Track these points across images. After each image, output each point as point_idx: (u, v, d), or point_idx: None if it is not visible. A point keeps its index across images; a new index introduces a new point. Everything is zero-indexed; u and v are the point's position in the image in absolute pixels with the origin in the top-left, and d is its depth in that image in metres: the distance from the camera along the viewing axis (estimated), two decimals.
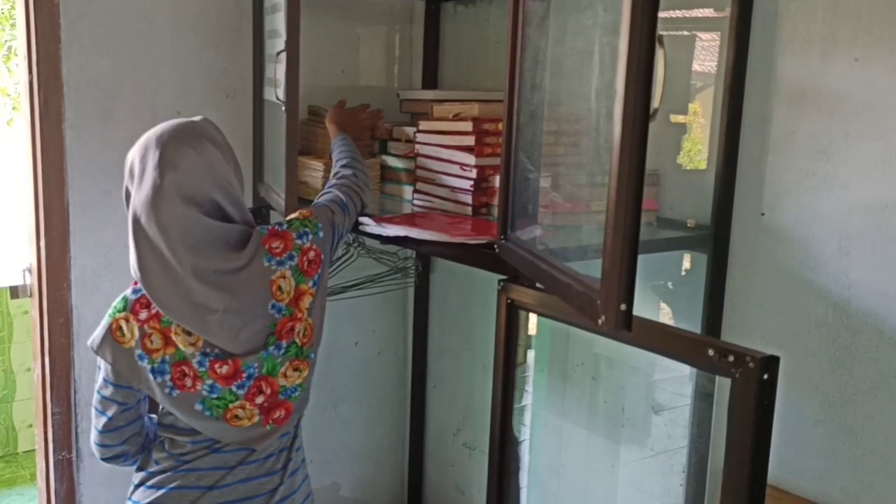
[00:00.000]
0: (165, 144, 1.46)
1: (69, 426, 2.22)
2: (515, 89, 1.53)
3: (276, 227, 1.59)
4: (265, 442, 1.58)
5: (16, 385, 3.93)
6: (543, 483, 2.38)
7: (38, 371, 2.23)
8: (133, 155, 1.49)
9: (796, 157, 1.70)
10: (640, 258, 1.13)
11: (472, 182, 1.94)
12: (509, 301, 1.62)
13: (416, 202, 2.09)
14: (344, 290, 2.42)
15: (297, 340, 1.57)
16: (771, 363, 1.15)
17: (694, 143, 1.93)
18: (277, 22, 1.96)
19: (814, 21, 1.66)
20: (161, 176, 1.43)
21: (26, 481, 3.74)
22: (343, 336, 2.71)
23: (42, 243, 2.13)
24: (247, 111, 2.33)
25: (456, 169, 1.98)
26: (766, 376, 1.15)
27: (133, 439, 1.60)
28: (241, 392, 1.52)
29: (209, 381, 1.50)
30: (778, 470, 1.74)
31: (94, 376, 1.59)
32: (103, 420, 1.56)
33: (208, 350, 1.49)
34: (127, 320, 1.49)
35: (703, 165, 1.90)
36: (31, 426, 3.91)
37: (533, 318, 2.21)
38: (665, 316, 2.03)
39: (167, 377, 1.49)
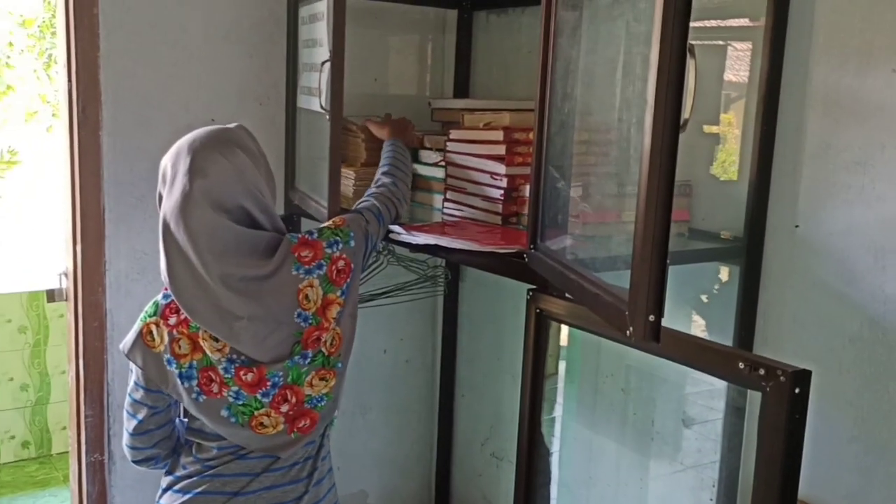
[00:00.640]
0: (196, 151, 1.48)
1: (102, 429, 2.25)
2: (546, 99, 1.53)
3: (307, 236, 1.59)
4: (290, 450, 1.58)
5: (51, 388, 4.00)
6: (573, 496, 2.36)
7: (73, 374, 2.26)
8: (166, 161, 1.52)
9: (831, 168, 1.68)
10: (671, 270, 1.12)
11: (502, 191, 1.93)
12: (538, 311, 1.61)
13: (446, 211, 2.09)
14: (373, 298, 2.42)
15: (323, 350, 1.57)
16: (802, 377, 1.13)
17: (727, 154, 1.91)
18: (318, 31, 1.98)
19: (850, 31, 1.64)
20: (190, 182, 1.45)
21: (59, 483, 3.80)
22: (372, 344, 2.72)
23: (78, 248, 2.16)
24: (279, 118, 2.35)
25: (486, 178, 1.98)
26: (797, 390, 1.13)
27: (163, 443, 1.61)
28: (266, 400, 1.53)
29: (235, 388, 1.51)
30: (809, 486, 1.71)
31: (127, 379, 1.61)
32: (134, 423, 1.58)
33: (234, 357, 1.50)
34: (157, 325, 1.51)
35: (735, 177, 1.88)
36: (64, 428, 3.97)
37: (564, 328, 2.20)
38: (696, 329, 2.00)
39: (194, 382, 1.51)
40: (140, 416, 1.57)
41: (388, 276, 2.44)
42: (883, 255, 1.61)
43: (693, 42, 1.07)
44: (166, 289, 1.52)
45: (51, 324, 3.93)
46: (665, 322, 1.13)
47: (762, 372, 1.16)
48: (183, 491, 1.58)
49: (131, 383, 1.57)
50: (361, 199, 1.84)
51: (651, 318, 1.12)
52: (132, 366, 1.55)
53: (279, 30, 2.32)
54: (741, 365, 1.19)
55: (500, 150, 1.95)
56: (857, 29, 1.63)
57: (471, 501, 2.80)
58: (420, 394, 2.86)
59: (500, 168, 1.94)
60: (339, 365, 1.60)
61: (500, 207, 1.95)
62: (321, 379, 1.58)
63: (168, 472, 1.64)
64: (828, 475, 1.71)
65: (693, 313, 2.01)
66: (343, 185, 2.16)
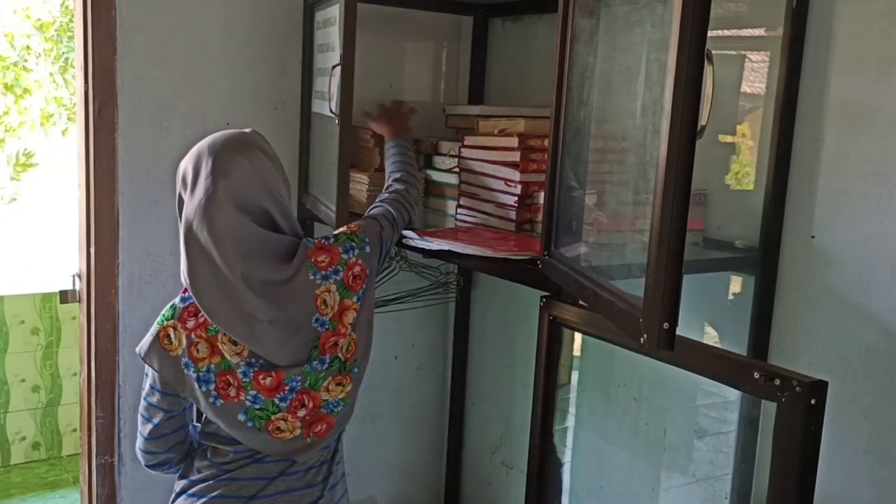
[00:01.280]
0: (218, 153, 1.49)
1: (112, 431, 2.25)
2: (562, 105, 1.53)
3: (323, 241, 1.60)
4: (305, 455, 1.58)
5: (62, 389, 4.01)
6: None
7: (84, 375, 2.27)
8: (186, 164, 1.52)
9: (849, 178, 1.67)
10: (685, 279, 1.11)
11: (516, 198, 1.93)
12: (551, 318, 1.60)
13: (459, 217, 2.09)
14: (385, 304, 2.42)
15: (339, 355, 1.57)
16: (819, 388, 1.12)
17: (741, 165, 1.90)
18: (331, 36, 1.98)
19: (869, 41, 1.62)
20: (214, 183, 1.45)
21: (69, 484, 3.81)
22: (383, 349, 2.71)
23: (92, 250, 2.17)
24: (294, 123, 2.35)
25: (500, 184, 1.97)
26: (813, 401, 1.12)
27: (178, 447, 1.61)
28: (283, 405, 1.53)
29: (253, 392, 1.51)
30: (824, 499, 1.69)
31: (138, 382, 1.61)
32: (149, 427, 1.57)
33: (253, 361, 1.50)
34: (175, 328, 1.51)
35: (750, 187, 1.86)
36: (75, 430, 3.98)
37: (578, 338, 2.19)
38: (710, 339, 1.99)
39: (212, 386, 1.50)
40: (155, 420, 1.56)
41: (401, 283, 2.44)
42: None
43: (710, 49, 1.07)
44: (184, 292, 1.52)
45: (63, 326, 3.95)
46: (678, 332, 1.13)
47: (778, 382, 1.14)
48: (198, 495, 1.58)
49: (146, 387, 1.57)
50: (374, 205, 1.83)
51: (665, 325, 1.11)
52: (148, 369, 1.55)
53: (295, 34, 2.32)
54: (756, 375, 1.18)
55: (515, 156, 1.95)
56: (876, 38, 1.61)
57: None
58: (431, 400, 2.86)
59: (515, 175, 1.93)
60: (356, 370, 1.60)
61: (513, 214, 1.94)
62: (338, 384, 1.58)
63: (182, 476, 1.63)
64: (843, 488, 1.69)
65: (706, 323, 1.99)
66: (356, 191, 2.17)
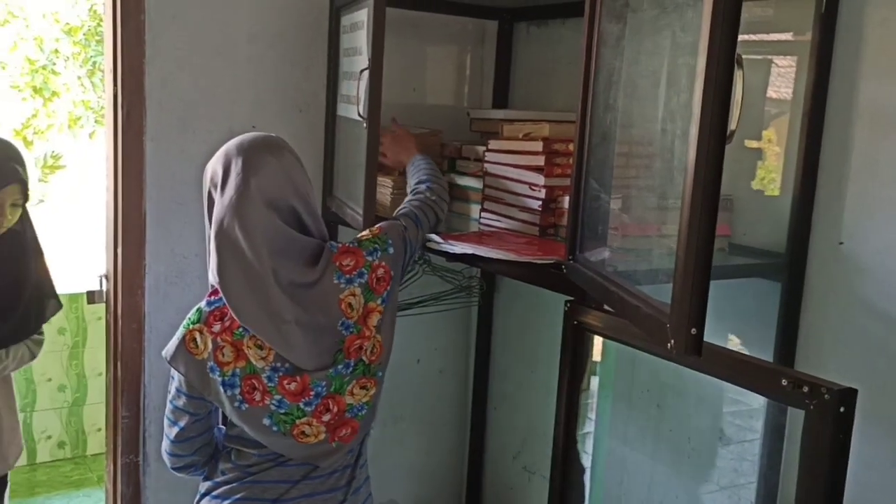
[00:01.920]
0: (247, 152, 1.51)
1: (137, 430, 2.27)
2: (588, 110, 1.52)
3: (348, 245, 1.61)
4: (330, 459, 1.58)
5: (87, 389, 4.05)
6: None
7: (110, 376, 2.29)
8: (215, 164, 1.54)
9: (879, 184, 1.65)
10: (711, 284, 1.10)
11: (540, 202, 1.93)
12: (576, 322, 1.60)
13: (483, 221, 2.09)
14: (408, 307, 2.42)
15: (364, 358, 1.58)
16: (848, 396, 1.11)
17: (766, 170, 1.89)
18: (358, 40, 1.99)
19: None
20: (245, 181, 1.48)
21: (93, 483, 3.84)
22: (405, 353, 2.71)
23: (119, 251, 2.19)
24: (319, 126, 2.36)
25: (525, 189, 1.97)
26: (842, 409, 1.10)
27: (203, 450, 1.62)
28: (308, 409, 1.53)
29: (278, 397, 1.51)
30: None
31: (163, 382, 1.62)
32: (175, 430, 1.58)
33: (278, 365, 1.50)
34: (200, 332, 1.51)
35: (777, 192, 1.85)
36: (100, 430, 4.02)
37: (597, 343, 2.18)
38: (735, 345, 1.97)
39: (237, 391, 1.51)
40: (182, 423, 1.57)
41: (423, 286, 2.44)
42: None
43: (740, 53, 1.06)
44: (210, 295, 1.53)
45: (89, 326, 3.99)
46: (704, 338, 1.12)
47: (806, 389, 1.13)
48: (222, 497, 1.59)
49: (173, 390, 1.57)
50: (400, 207, 1.84)
51: (693, 331, 1.10)
52: (174, 372, 1.55)
53: (321, 38, 2.33)
54: (784, 382, 1.17)
55: (539, 160, 1.95)
56: None
57: None
58: (452, 404, 2.85)
59: (539, 179, 1.93)
60: (380, 374, 1.61)
61: (537, 218, 1.94)
62: (362, 388, 1.58)
63: (206, 478, 1.64)
64: (871, 499, 1.67)
65: (732, 330, 1.98)
66: (380, 194, 2.17)
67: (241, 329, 1.49)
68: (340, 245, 1.60)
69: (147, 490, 2.31)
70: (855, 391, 1.11)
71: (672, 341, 1.12)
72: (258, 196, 1.48)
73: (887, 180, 1.63)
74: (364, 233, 1.68)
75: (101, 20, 5.76)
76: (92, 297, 2.31)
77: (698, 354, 1.10)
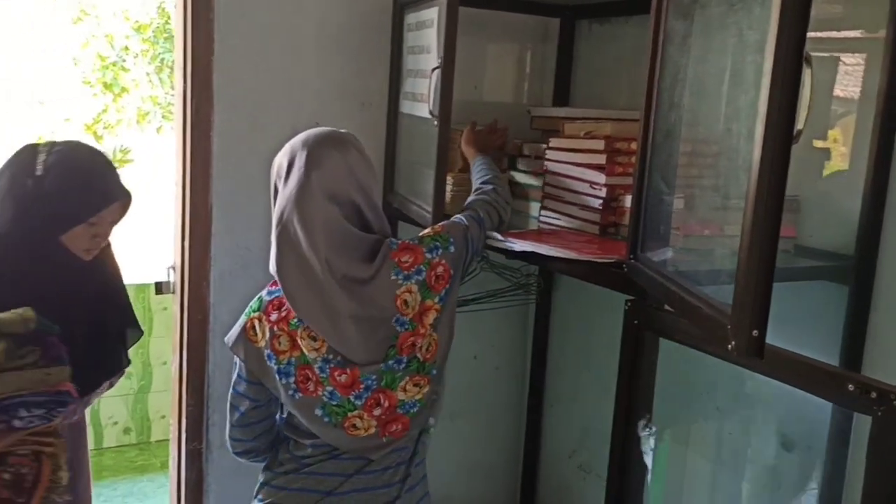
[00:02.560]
0: (312, 146, 1.54)
1: (201, 418, 2.33)
2: (652, 108, 1.51)
3: (408, 241, 1.61)
4: (379, 453, 1.59)
5: (152, 377, 4.17)
6: None
7: (176, 364, 2.35)
8: (281, 158, 1.57)
9: None
10: (774, 286, 1.09)
11: (601, 201, 1.92)
12: (635, 322, 1.59)
13: (542, 219, 2.09)
14: (465, 304, 2.43)
15: (418, 355, 1.58)
16: None
17: (834, 170, 1.84)
18: (425, 38, 2.01)
19: None
20: (307, 174, 1.50)
21: (157, 469, 3.95)
22: (462, 349, 2.72)
23: (186, 244, 2.25)
24: (381, 123, 2.39)
25: (585, 187, 1.97)
26: None
27: (263, 437, 1.65)
28: (359, 402, 1.55)
29: (329, 388, 1.54)
30: None
31: (227, 371, 1.66)
32: (237, 415, 1.62)
33: (330, 357, 1.53)
34: (259, 320, 1.55)
35: (844, 193, 1.80)
36: (164, 417, 4.13)
37: (657, 342, 2.16)
38: (798, 349, 1.93)
39: (291, 379, 1.54)
40: (242, 408, 1.61)
41: (481, 283, 2.45)
42: None
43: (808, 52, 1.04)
44: (271, 285, 1.56)
45: (155, 316, 4.10)
46: (766, 340, 1.10)
47: (874, 395, 1.11)
48: (279, 487, 1.62)
49: (235, 376, 1.62)
50: (464, 205, 1.85)
51: (755, 332, 1.09)
52: (236, 358, 1.60)
53: (384, 36, 2.36)
54: (851, 387, 1.14)
55: (601, 159, 1.94)
56: None
57: None
58: (508, 401, 2.86)
59: (600, 177, 1.92)
60: (434, 371, 1.61)
61: (598, 217, 1.93)
62: (415, 385, 1.59)
63: (266, 468, 1.67)
64: None
65: (795, 333, 1.93)
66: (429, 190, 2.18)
67: (296, 320, 1.52)
68: (401, 242, 1.61)
69: (209, 476, 2.37)
70: None
71: (733, 342, 1.11)
72: (319, 190, 1.50)
73: None
74: (426, 230, 1.68)
75: (169, 18, 5.91)
76: (160, 287, 2.37)
77: (760, 357, 1.09)
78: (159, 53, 6.10)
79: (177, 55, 2.25)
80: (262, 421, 1.63)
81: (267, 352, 1.55)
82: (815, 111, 1.80)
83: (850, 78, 1.80)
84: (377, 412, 1.56)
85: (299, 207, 1.50)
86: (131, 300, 1.93)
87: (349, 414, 1.55)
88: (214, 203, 2.25)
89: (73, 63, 6.11)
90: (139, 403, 4.17)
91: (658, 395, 2.21)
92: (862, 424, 1.25)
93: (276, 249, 1.52)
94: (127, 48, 6.11)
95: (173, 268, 2.34)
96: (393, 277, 1.56)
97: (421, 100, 1.97)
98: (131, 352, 1.91)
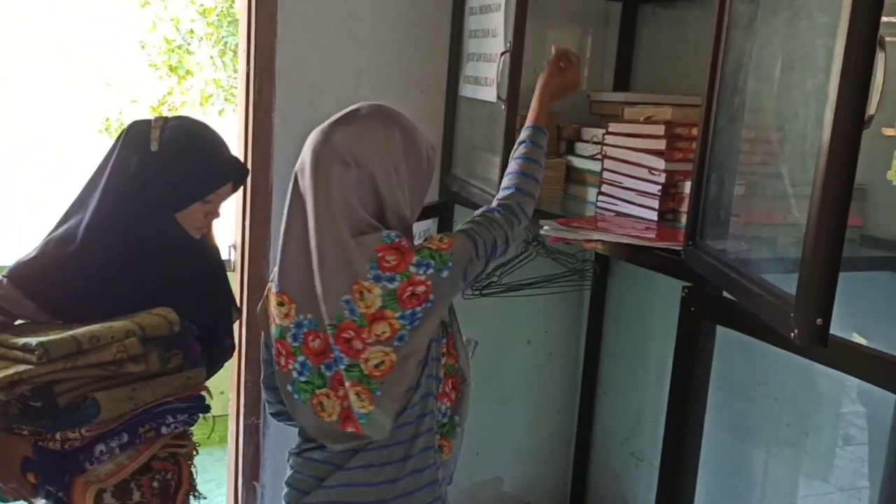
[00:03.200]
0: (348, 112, 1.52)
1: (259, 394, 2.37)
2: (715, 93, 1.49)
3: (403, 242, 1.45)
4: (339, 445, 1.53)
5: None
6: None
7: (235, 341, 2.40)
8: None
9: None
10: (839, 276, 1.07)
11: (660, 187, 1.90)
12: (692, 309, 1.57)
13: (599, 204, 2.08)
14: (520, 288, 2.44)
15: (360, 364, 1.45)
16: None
17: None
18: (490, 22, 2.00)
19: None
20: (326, 134, 1.49)
21: (215, 443, 4.02)
22: (516, 334, 2.74)
23: (247, 223, 2.30)
24: (439, 106, 2.40)
25: (644, 173, 1.94)
26: None
27: None
28: (328, 374, 1.48)
29: (301, 358, 1.49)
30: None
31: None
32: (262, 377, 1.66)
33: (302, 319, 1.48)
34: (269, 290, 1.57)
35: None
36: (222, 393, 4.18)
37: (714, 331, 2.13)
38: (862, 341, 1.89)
39: (273, 351, 1.55)
40: (265, 371, 1.63)
41: (536, 268, 2.45)
42: None
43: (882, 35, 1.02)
44: None
45: None
46: (830, 331, 1.08)
47: None
48: (290, 466, 1.63)
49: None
50: (483, 211, 1.63)
51: (818, 321, 1.07)
52: None
53: (444, 19, 2.36)
54: None
55: (661, 144, 1.91)
56: None
57: (607, 499, 2.77)
58: (561, 387, 2.86)
59: (660, 163, 1.90)
60: (379, 394, 1.46)
61: (656, 203, 1.91)
62: (356, 394, 1.46)
63: (299, 434, 1.65)
64: None
65: (860, 324, 1.89)
66: (492, 174, 2.19)
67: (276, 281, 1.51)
68: (397, 240, 1.44)
69: (266, 451, 2.42)
70: None
71: (796, 330, 1.09)
72: (332, 152, 1.45)
73: None
74: (433, 238, 1.50)
75: (233, 2, 6.00)
76: None
77: (824, 346, 1.07)
78: (223, 37, 6.19)
79: (241, 38, 2.29)
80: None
81: (268, 320, 1.56)
82: (886, 98, 1.76)
83: None
84: (341, 393, 1.48)
85: (309, 162, 1.47)
86: None
87: (317, 391, 1.50)
88: (274, 183, 2.29)
89: (141, 46, 6.24)
90: None
91: (713, 384, 2.19)
92: None
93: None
94: (192, 31, 6.21)
95: (234, 246, 2.39)
96: (365, 266, 1.42)
97: (484, 84, 1.97)
98: None
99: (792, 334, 1.10)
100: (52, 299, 1.60)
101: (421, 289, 1.43)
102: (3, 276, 1.63)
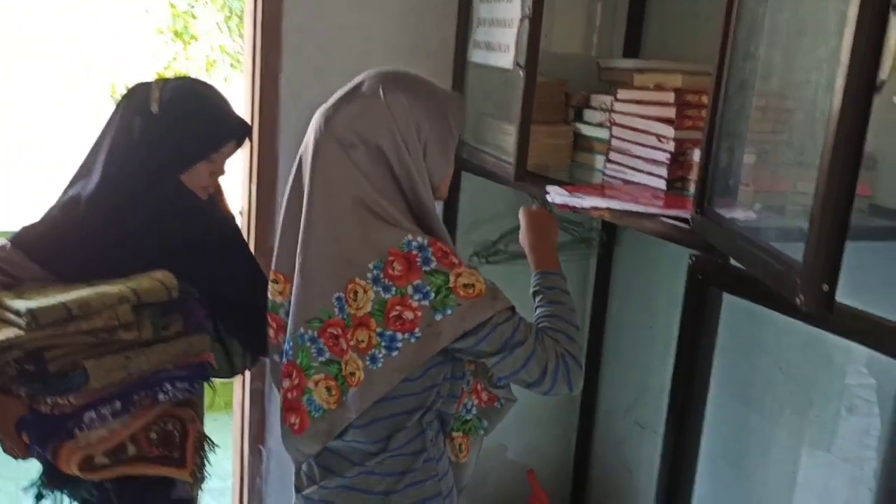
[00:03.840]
0: (358, 81, 1.46)
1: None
2: (726, 59, 1.47)
3: (419, 257, 1.30)
4: (285, 443, 1.49)
5: None
6: (718, 471, 2.31)
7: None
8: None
9: None
10: (847, 245, 1.06)
11: (669, 154, 1.89)
12: (699, 277, 1.57)
13: (607, 172, 2.07)
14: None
15: (342, 364, 1.36)
16: None
17: None
18: None
19: None
20: (335, 107, 1.43)
21: (220, 408, 4.06)
22: (520, 302, 2.72)
23: (253, 188, 2.30)
24: (446, 72, 2.38)
25: (653, 140, 1.93)
26: None
27: None
28: (281, 361, 1.46)
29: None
30: None
31: None
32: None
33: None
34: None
35: None
36: None
37: (720, 298, 2.13)
38: (870, 311, 1.89)
39: (269, 324, 1.54)
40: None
41: None
42: None
43: None
44: None
45: None
46: (837, 300, 1.08)
47: None
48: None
49: None
50: (559, 328, 1.58)
51: (825, 287, 1.07)
52: None
53: None
54: None
55: (670, 112, 1.90)
56: None
57: (610, 466, 2.79)
58: None
59: (669, 131, 1.88)
60: (346, 399, 1.37)
61: (665, 171, 1.90)
62: (326, 388, 1.37)
63: None
64: None
65: (868, 294, 1.88)
66: (505, 141, 2.18)
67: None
68: (409, 252, 1.29)
69: (271, 416, 2.44)
70: None
71: (801, 296, 1.09)
72: (334, 136, 1.36)
73: None
74: (466, 271, 1.34)
75: None
76: None
77: (830, 311, 1.07)
78: (227, 2, 6.15)
79: (247, 3, 2.27)
80: None
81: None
82: None
83: None
84: (286, 384, 1.42)
85: (313, 141, 1.41)
86: None
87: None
88: (281, 148, 2.28)
89: (146, 11, 6.20)
90: None
91: (719, 352, 2.20)
92: None
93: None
94: None
95: (241, 212, 2.39)
96: (368, 264, 1.30)
97: (497, 49, 1.94)
98: None
99: (798, 300, 1.09)
100: (58, 263, 1.60)
101: (409, 315, 1.28)
102: (7, 240, 1.63)
